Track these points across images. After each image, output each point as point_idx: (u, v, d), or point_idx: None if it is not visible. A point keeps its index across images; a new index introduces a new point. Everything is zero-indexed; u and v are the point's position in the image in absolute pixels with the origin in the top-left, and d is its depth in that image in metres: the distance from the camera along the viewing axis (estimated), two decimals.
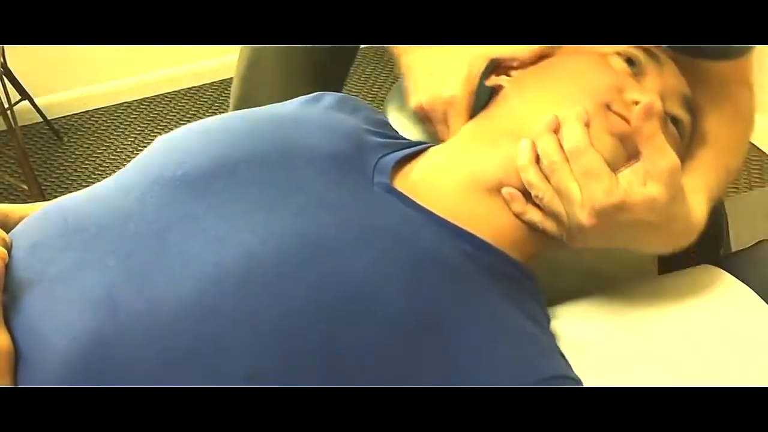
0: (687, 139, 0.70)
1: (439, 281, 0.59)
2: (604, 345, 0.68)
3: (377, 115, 0.80)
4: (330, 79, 1.11)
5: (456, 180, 0.67)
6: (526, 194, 0.66)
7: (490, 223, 0.66)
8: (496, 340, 0.59)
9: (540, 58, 0.74)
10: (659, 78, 0.71)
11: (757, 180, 2.09)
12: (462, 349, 0.57)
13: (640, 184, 0.62)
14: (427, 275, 0.59)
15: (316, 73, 1.09)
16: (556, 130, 0.64)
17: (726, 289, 0.73)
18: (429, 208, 0.65)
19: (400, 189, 0.66)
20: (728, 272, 0.74)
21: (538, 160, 0.64)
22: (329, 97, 0.78)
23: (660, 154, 0.61)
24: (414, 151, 0.72)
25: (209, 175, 0.63)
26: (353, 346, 0.54)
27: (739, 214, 1.95)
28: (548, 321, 0.67)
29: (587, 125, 0.64)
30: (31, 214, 0.66)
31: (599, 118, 0.65)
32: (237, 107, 1.12)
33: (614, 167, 0.63)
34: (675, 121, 0.69)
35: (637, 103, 0.65)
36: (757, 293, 0.71)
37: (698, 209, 0.68)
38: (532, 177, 0.64)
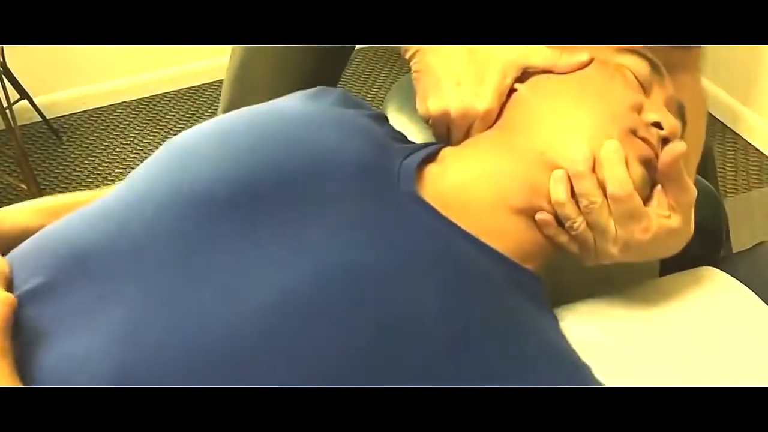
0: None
1: (474, 299, 0.58)
2: (604, 346, 0.68)
3: (376, 111, 0.77)
4: (322, 83, 1.11)
5: (483, 197, 0.66)
6: (556, 216, 0.66)
7: (513, 239, 0.65)
8: (534, 358, 0.58)
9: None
10: (662, 90, 0.71)
11: (756, 181, 2.10)
12: (502, 368, 0.56)
13: (666, 217, 0.64)
14: (462, 294, 0.58)
15: (307, 77, 1.08)
16: (592, 166, 0.63)
17: (726, 291, 0.73)
18: (457, 223, 0.63)
19: (426, 198, 0.64)
20: (728, 273, 0.74)
21: (572, 192, 0.64)
22: (333, 95, 0.75)
23: (683, 189, 0.65)
24: (429, 153, 0.70)
25: (230, 190, 0.59)
26: (392, 372, 0.52)
27: (738, 215, 1.95)
28: (557, 323, 0.67)
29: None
30: (36, 236, 0.61)
31: (628, 146, 0.64)
32: (227, 111, 1.11)
33: (642, 193, 0.64)
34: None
35: (655, 124, 0.66)
36: (757, 294, 0.71)
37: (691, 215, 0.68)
38: (568, 211, 0.64)
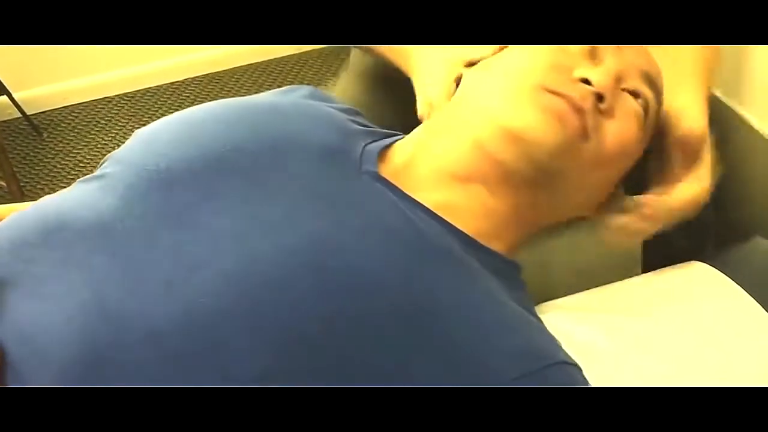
0: (653, 113, 0.69)
1: (435, 267, 0.59)
2: (591, 341, 0.68)
3: (346, 106, 0.79)
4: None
5: (431, 172, 0.67)
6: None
7: (466, 212, 0.65)
8: (498, 324, 0.58)
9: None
10: (618, 58, 0.69)
11: None
12: (465, 335, 0.56)
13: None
14: (424, 262, 0.59)
15: None
16: None
17: (715, 287, 0.72)
18: (414, 198, 0.64)
19: (387, 178, 0.65)
20: (716, 268, 0.74)
21: None
22: (302, 90, 0.78)
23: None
24: (394, 141, 0.72)
25: (195, 167, 0.61)
26: (356, 337, 0.53)
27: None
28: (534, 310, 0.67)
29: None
30: (11, 214, 0.64)
31: (534, 100, 0.64)
32: None
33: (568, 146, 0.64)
34: (636, 95, 0.68)
35: (585, 80, 0.65)
36: (746, 290, 0.71)
37: (700, 119, 0.71)
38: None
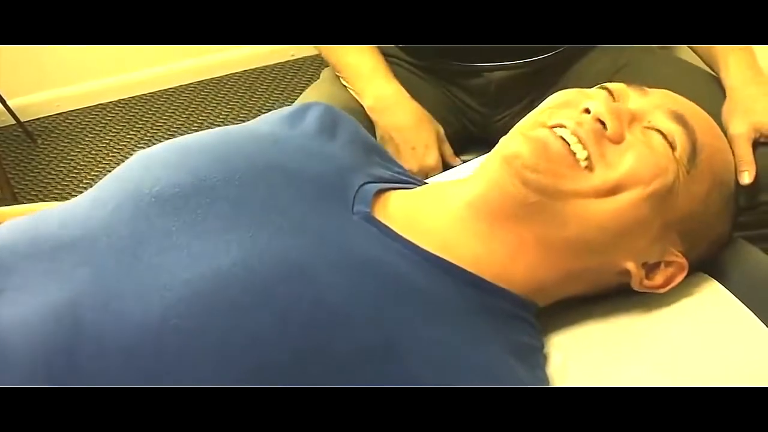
0: (685, 147, 0.68)
1: (413, 313, 0.59)
2: (588, 356, 0.68)
3: (359, 129, 0.80)
4: None
5: (438, 210, 0.68)
6: None
7: (466, 249, 0.66)
8: (465, 369, 0.58)
9: None
10: (642, 100, 0.71)
11: None
12: (430, 377, 0.56)
13: None
14: (399, 301, 0.59)
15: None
16: None
17: (704, 292, 0.73)
18: (410, 239, 0.65)
19: (380, 218, 0.66)
20: (706, 274, 0.74)
21: None
22: (313, 112, 0.78)
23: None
24: (396, 186, 0.73)
25: (185, 192, 0.63)
26: (321, 371, 0.54)
27: None
28: (541, 348, 0.67)
29: None
30: (6, 223, 0.66)
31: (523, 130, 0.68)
32: None
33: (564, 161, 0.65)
34: (661, 132, 0.68)
35: (586, 110, 0.67)
36: (735, 295, 0.71)
37: None
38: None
